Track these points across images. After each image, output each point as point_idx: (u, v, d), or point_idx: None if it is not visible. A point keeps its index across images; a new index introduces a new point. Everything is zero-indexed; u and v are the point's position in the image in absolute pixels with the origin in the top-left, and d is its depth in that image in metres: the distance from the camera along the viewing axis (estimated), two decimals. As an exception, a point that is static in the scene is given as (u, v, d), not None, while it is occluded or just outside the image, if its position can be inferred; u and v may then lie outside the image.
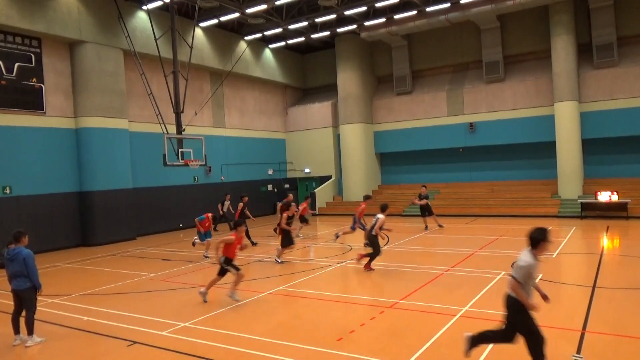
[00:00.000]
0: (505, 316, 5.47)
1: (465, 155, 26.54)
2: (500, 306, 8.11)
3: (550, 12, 22.73)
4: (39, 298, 7.77)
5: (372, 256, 11.82)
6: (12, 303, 7.75)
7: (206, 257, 14.77)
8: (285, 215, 14.11)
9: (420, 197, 19.20)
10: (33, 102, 17.87)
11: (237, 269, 9.55)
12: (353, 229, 15.98)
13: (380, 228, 11.68)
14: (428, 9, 22.80)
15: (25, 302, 7.44)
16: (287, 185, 30.38)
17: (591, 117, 22.37)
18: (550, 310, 8.03)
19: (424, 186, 20.10)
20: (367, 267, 11.86)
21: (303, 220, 18.91)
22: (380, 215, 11.79)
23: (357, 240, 17.60)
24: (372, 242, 11.83)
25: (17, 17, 16.74)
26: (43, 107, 18.21)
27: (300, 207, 18.83)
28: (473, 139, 25.49)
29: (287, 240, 13.58)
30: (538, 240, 5.19)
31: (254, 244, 17.05)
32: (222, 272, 9.59)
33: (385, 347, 6.68)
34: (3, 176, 16.93)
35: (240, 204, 17.32)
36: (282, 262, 13.43)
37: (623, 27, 22.17)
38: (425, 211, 19.17)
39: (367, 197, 16.54)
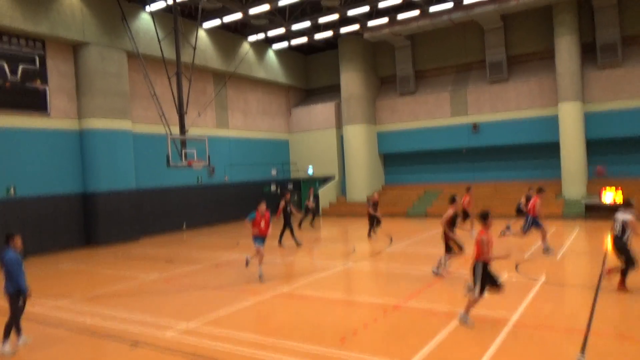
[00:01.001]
0: None
1: (468, 156, 26.49)
2: (503, 307, 8.11)
3: (553, 12, 22.67)
4: (42, 300, 7.75)
5: (626, 270, 8.90)
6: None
7: (260, 279, 11.11)
8: (450, 212, 10.88)
9: (527, 199, 16.78)
10: (37, 103, 17.94)
11: (496, 283, 7.40)
12: (524, 231, 13.25)
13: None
14: (431, 9, 22.78)
15: (9, 306, 7.35)
16: (290, 186, 30.38)
17: (595, 117, 22.28)
18: (554, 311, 8.01)
19: (531, 188, 17.54)
20: (622, 286, 8.94)
21: (466, 216, 16.08)
22: (627, 216, 8.87)
23: (362, 240, 17.56)
24: (623, 250, 8.91)
25: (21, 19, 16.82)
26: (47, 108, 18.28)
27: (464, 200, 15.78)
28: (476, 139, 25.43)
29: (447, 247, 10.84)
30: None
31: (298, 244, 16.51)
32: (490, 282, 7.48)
33: (388, 348, 6.67)
34: (7, 177, 17.00)
35: (282, 202, 16.70)
36: (439, 273, 10.77)
37: (627, 27, 22.07)
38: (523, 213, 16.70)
39: (540, 190, 13.57)
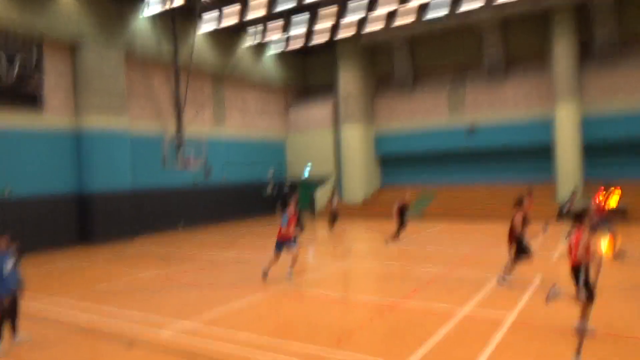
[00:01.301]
0: None
1: (465, 157, 26.50)
2: (499, 307, 8.14)
3: (551, 13, 22.71)
4: (40, 299, 7.71)
5: None
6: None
7: (264, 277, 11.03)
8: (520, 216, 10.03)
9: (570, 201, 16.66)
10: (34, 103, 17.85)
11: (590, 289, 6.76)
12: (611, 229, 12.76)
13: None
14: (427, 17, 22.75)
15: None
16: (287, 187, 30.33)
17: (592, 118, 22.32)
18: (550, 311, 8.03)
19: (576, 187, 17.27)
20: None
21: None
22: None
23: (364, 240, 17.54)
24: None
25: (18, 18, 16.76)
26: (44, 108, 18.20)
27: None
28: (474, 140, 25.46)
29: (520, 250, 9.94)
30: None
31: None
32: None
33: (385, 348, 6.67)
34: (3, 177, 16.93)
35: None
36: (507, 278, 9.99)
37: (625, 27, 22.12)
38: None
39: (607, 187, 13.01)
